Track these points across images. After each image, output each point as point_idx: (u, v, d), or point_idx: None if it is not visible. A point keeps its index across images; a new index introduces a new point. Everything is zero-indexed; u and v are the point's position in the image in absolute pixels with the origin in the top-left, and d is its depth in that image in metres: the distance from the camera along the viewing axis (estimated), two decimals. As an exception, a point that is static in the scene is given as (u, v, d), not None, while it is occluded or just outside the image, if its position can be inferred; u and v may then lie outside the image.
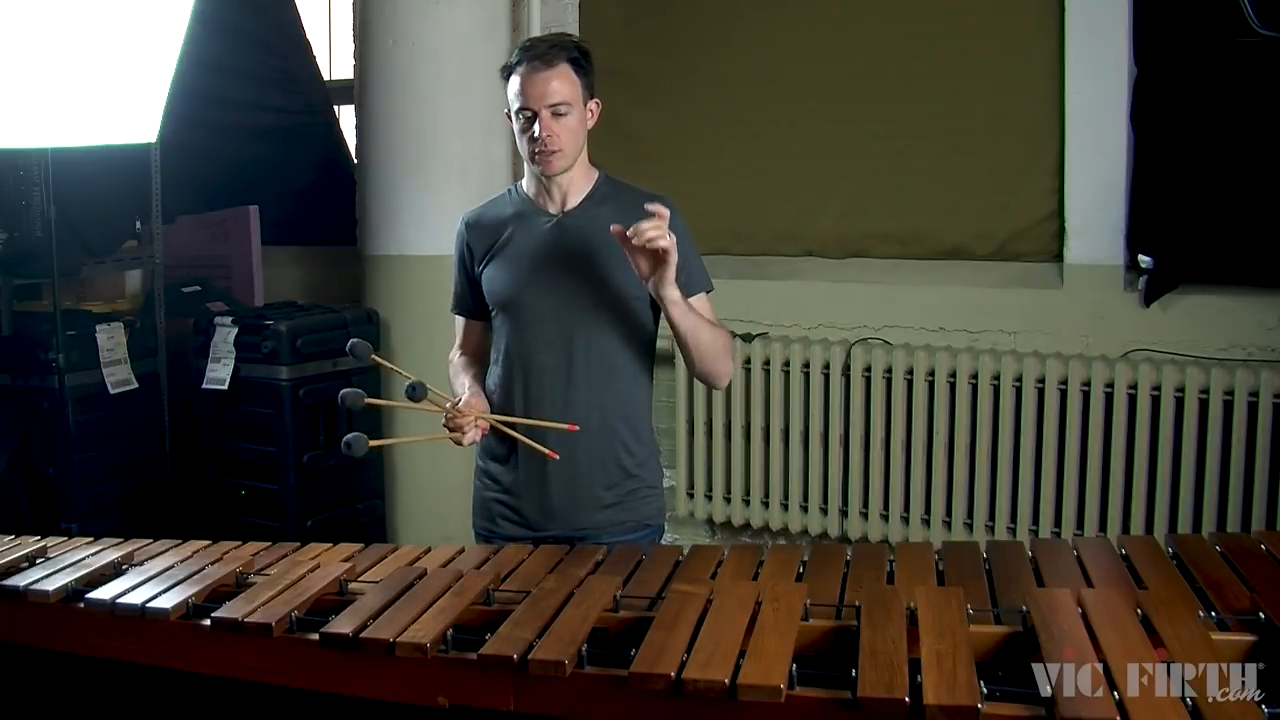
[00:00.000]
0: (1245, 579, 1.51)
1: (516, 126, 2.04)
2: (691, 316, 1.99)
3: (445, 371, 2.25)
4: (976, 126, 3.40)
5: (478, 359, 2.23)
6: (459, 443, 2.01)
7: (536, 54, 1.99)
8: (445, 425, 2.01)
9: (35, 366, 3.75)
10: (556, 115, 1.99)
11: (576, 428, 1.99)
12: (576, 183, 2.09)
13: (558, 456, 2.00)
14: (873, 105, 3.55)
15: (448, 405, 2.01)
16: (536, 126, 1.99)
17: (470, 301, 2.20)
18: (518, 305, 2.08)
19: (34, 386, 3.77)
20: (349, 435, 1.92)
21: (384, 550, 1.98)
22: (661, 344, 2.17)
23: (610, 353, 2.05)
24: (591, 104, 2.06)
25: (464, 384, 2.12)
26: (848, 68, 3.58)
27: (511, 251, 2.09)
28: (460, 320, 2.25)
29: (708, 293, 2.12)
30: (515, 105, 2.01)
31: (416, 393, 1.97)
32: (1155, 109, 3.13)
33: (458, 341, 2.25)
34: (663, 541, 2.22)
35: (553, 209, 2.09)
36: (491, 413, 2.08)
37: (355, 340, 2.08)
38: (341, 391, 2.04)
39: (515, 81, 2.01)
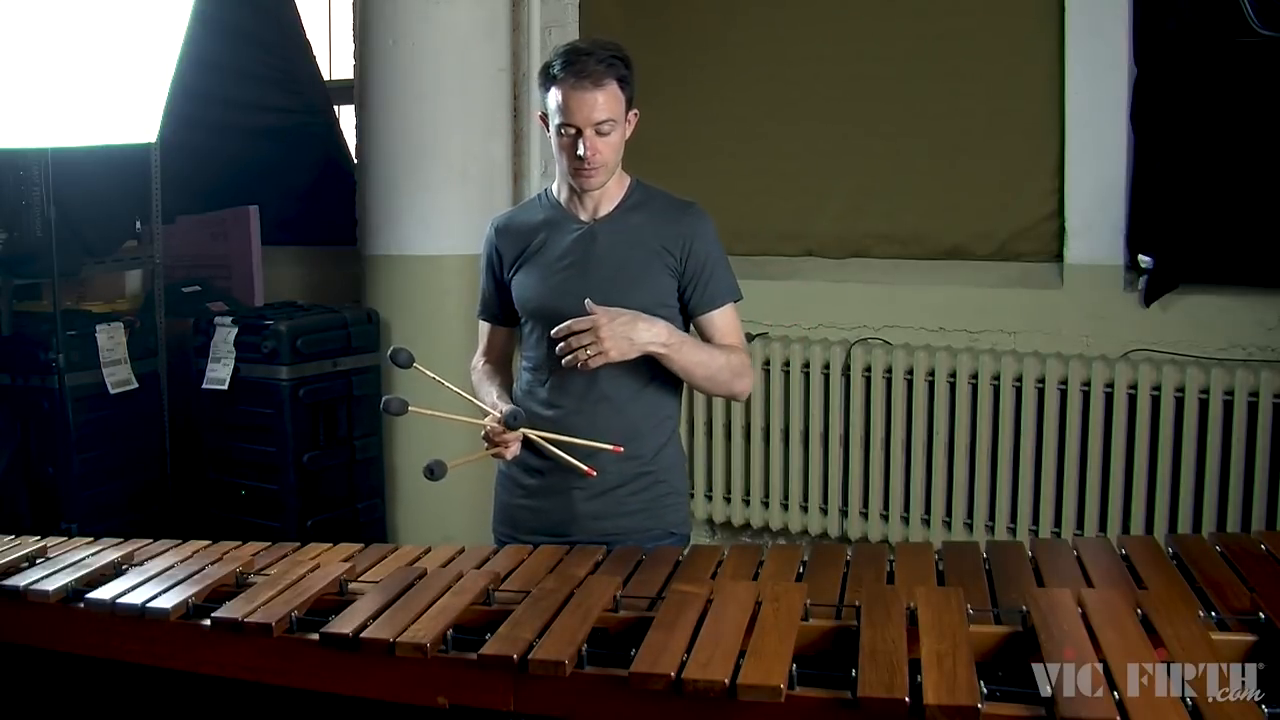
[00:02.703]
0: (1245, 579, 1.51)
1: (556, 139, 2.00)
2: (682, 360, 1.98)
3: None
4: (976, 126, 3.40)
5: (502, 366, 2.21)
6: (502, 457, 2.00)
7: (585, 72, 1.93)
8: (485, 438, 1.98)
9: (35, 366, 3.74)
10: (600, 134, 1.96)
11: (621, 449, 1.98)
12: (610, 191, 2.06)
13: (596, 474, 1.99)
14: (873, 105, 3.55)
15: (487, 420, 1.98)
16: (581, 145, 1.95)
17: (497, 307, 2.17)
18: (548, 312, 2.04)
19: (34, 386, 3.76)
20: (431, 461, 1.91)
21: (384, 550, 1.98)
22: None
23: (640, 360, 2.00)
24: (630, 115, 2.03)
25: (491, 394, 2.10)
26: (848, 68, 3.58)
27: (542, 258, 2.07)
28: (485, 326, 2.22)
29: (736, 301, 2.10)
30: (556, 119, 1.97)
31: (435, 474, 1.93)
32: (1155, 109, 3.13)
33: (481, 347, 2.23)
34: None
35: (584, 216, 2.07)
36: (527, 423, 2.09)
37: (398, 348, 2.05)
38: (385, 398, 2.03)
39: (558, 94, 1.95)
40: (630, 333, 1.92)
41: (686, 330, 2.09)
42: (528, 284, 2.08)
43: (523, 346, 2.15)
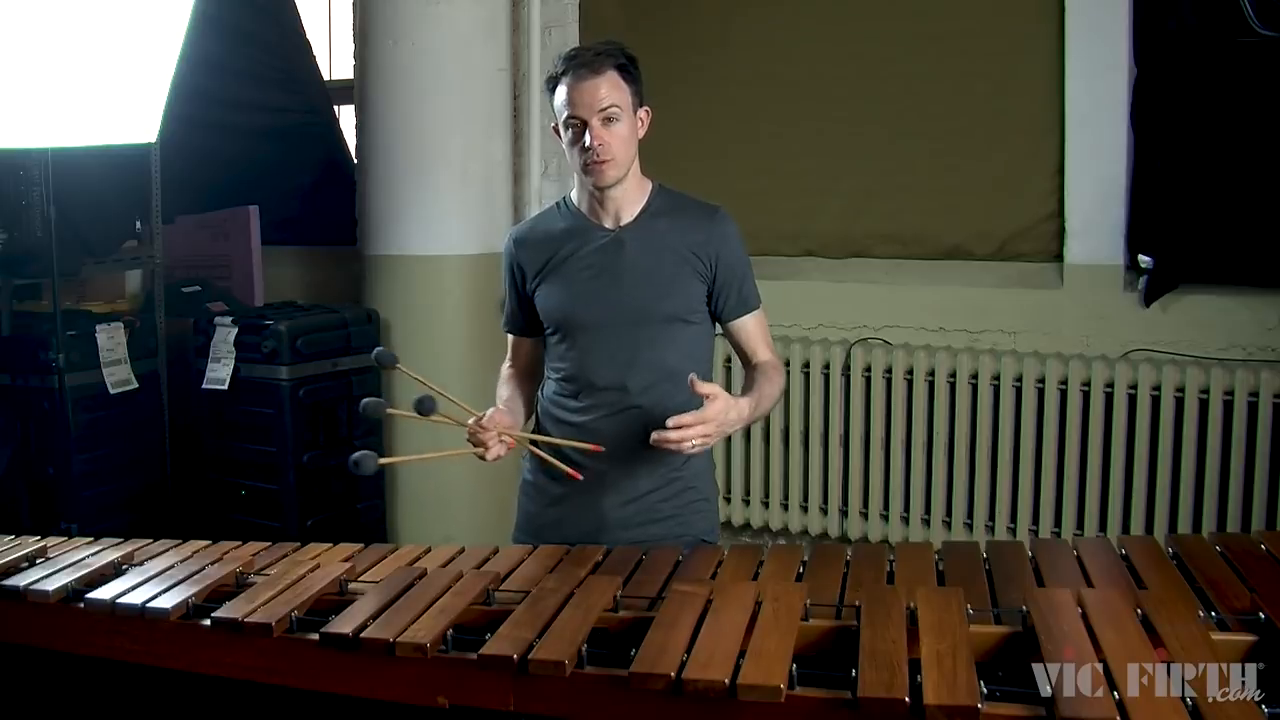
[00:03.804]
0: (1245, 579, 1.51)
1: (565, 138, 1.98)
2: (751, 420, 1.99)
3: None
4: (976, 126, 3.40)
5: (529, 375, 2.19)
6: (483, 458, 1.95)
7: (582, 62, 1.93)
8: (469, 440, 1.94)
9: (35, 366, 3.74)
10: (607, 122, 1.93)
11: (601, 449, 1.96)
12: (630, 195, 2.03)
13: (581, 477, 1.98)
14: (873, 105, 3.55)
15: (470, 420, 1.94)
16: (587, 136, 1.93)
17: (522, 319, 2.14)
18: (575, 323, 2.03)
19: (34, 386, 3.76)
20: (356, 454, 1.87)
21: (384, 550, 1.98)
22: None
23: (668, 369, 1.99)
24: (641, 112, 2.01)
25: (501, 397, 2.09)
26: (848, 68, 3.58)
27: (567, 269, 2.04)
28: (511, 337, 2.21)
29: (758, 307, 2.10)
30: (563, 115, 1.95)
31: (425, 406, 1.89)
32: (1155, 109, 3.13)
33: (509, 357, 2.22)
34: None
35: (608, 223, 2.04)
36: (539, 428, 2.07)
37: (381, 350, 2.04)
38: (362, 401, 1.99)
39: (562, 91, 1.95)
40: (730, 427, 1.91)
41: (713, 338, 2.10)
42: (553, 295, 2.05)
43: (549, 356, 2.12)
